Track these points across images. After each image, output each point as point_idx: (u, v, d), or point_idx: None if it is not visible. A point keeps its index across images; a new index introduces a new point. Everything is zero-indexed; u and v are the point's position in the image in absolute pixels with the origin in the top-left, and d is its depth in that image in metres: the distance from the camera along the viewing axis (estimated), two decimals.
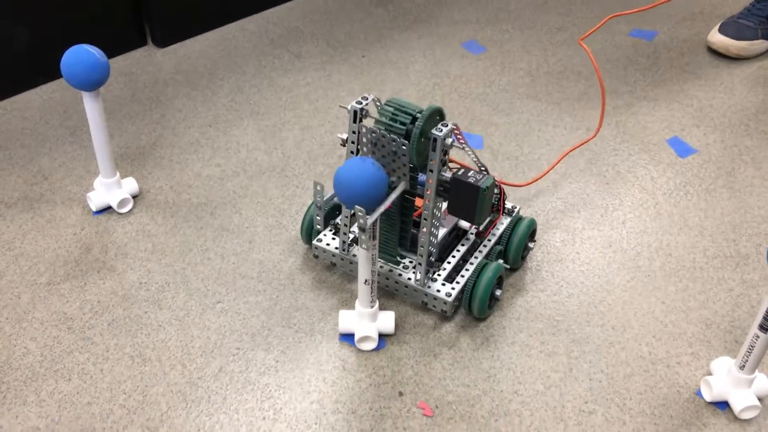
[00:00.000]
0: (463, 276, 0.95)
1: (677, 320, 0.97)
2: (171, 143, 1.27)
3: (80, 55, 0.97)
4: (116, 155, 1.22)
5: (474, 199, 0.87)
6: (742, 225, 1.12)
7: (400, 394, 0.87)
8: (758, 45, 1.49)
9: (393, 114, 0.87)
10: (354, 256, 0.99)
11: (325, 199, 0.97)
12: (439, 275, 0.95)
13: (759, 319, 0.78)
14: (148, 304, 0.97)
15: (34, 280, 1.01)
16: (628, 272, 1.04)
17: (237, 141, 1.28)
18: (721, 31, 1.50)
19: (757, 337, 0.79)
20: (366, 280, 0.87)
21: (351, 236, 1.00)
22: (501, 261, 0.98)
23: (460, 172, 0.88)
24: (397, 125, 0.86)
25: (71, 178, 1.19)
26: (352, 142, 0.92)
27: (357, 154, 0.92)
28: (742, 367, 0.83)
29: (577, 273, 1.04)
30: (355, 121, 0.90)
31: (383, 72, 1.46)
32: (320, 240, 1.01)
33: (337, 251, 0.99)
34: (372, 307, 0.91)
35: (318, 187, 0.92)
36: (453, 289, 0.94)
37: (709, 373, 0.89)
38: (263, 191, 1.17)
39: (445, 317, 0.96)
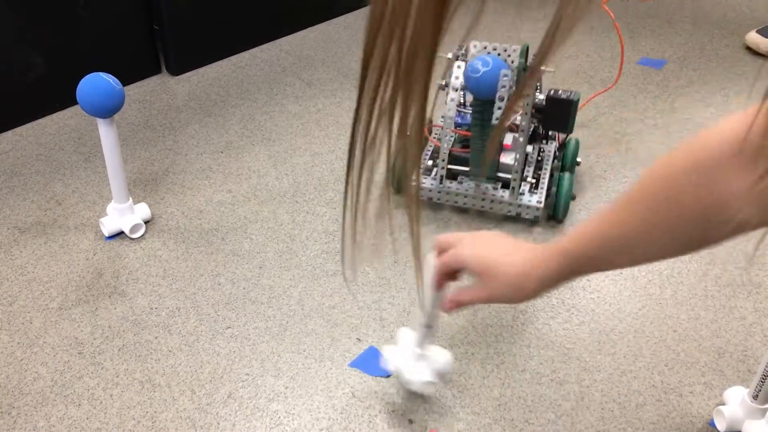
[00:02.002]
0: (542, 188, 1.14)
1: (689, 349, 0.96)
2: (183, 169, 1.28)
3: (96, 82, 0.98)
4: (129, 181, 1.23)
5: (567, 111, 1.08)
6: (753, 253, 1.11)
7: (410, 422, 0.87)
8: None
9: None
10: (449, 186, 1.14)
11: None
12: (523, 190, 1.14)
13: None
14: (158, 329, 0.98)
15: (45, 304, 1.01)
16: (639, 300, 1.03)
17: (248, 167, 1.29)
18: (759, 31, 1.61)
19: None
20: (429, 326, 0.81)
21: (444, 170, 1.14)
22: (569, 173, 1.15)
23: (551, 93, 1.08)
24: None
25: (84, 203, 1.20)
26: (453, 88, 1.09)
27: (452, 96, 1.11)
28: (755, 397, 0.82)
29: (587, 300, 1.03)
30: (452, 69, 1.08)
31: None
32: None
33: (433, 186, 1.15)
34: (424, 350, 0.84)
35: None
36: (539, 201, 1.12)
37: (722, 403, 0.88)
38: (274, 217, 1.18)
39: (454, 343, 0.96)
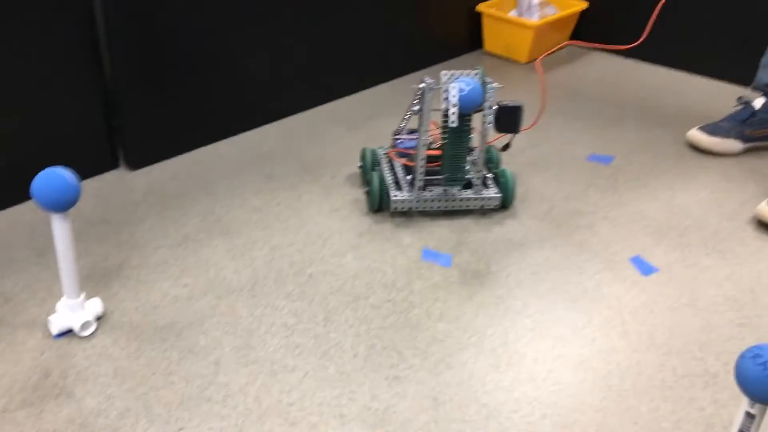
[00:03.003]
0: (491, 185, 1.42)
1: None
2: (138, 264, 1.26)
3: (52, 178, 0.98)
4: (82, 276, 1.20)
5: (516, 115, 1.33)
6: (708, 343, 1.13)
7: None
8: (728, 144, 1.67)
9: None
10: (423, 195, 1.36)
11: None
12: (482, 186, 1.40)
13: None
14: None
15: None
16: (600, 391, 1.03)
17: (206, 260, 1.27)
18: (700, 129, 1.70)
19: None
20: None
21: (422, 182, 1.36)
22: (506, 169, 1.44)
23: (500, 102, 1.31)
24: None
25: (34, 300, 1.16)
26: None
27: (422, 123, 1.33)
28: None
29: (549, 392, 1.02)
30: (425, 96, 1.30)
31: (353, 192, 1.49)
32: (396, 195, 1.36)
33: (411, 197, 1.36)
34: None
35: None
36: (497, 192, 1.40)
37: None
38: (231, 311, 1.16)
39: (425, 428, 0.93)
